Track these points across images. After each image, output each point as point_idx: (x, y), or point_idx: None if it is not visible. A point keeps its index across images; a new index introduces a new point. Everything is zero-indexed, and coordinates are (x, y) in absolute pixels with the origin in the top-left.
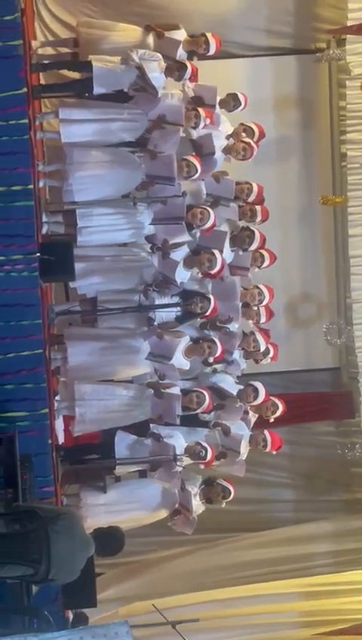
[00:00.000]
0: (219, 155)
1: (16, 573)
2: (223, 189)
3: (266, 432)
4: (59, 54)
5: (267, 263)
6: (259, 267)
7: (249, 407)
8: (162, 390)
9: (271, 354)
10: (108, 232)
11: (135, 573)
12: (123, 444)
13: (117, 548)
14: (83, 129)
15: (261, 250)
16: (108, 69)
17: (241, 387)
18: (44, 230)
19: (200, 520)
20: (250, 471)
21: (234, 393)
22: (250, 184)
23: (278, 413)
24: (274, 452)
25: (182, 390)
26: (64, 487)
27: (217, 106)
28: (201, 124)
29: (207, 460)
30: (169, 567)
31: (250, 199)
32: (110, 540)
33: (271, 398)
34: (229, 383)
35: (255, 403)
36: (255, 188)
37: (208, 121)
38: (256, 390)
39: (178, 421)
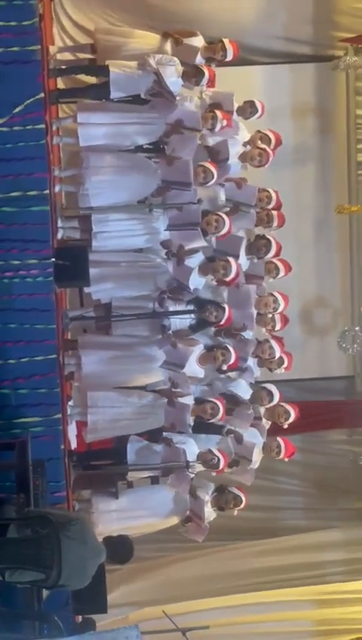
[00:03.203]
0: (234, 161)
1: (27, 578)
2: (245, 195)
3: (280, 439)
4: (77, 60)
5: (282, 273)
6: (273, 278)
7: (262, 414)
8: (174, 399)
9: (286, 364)
10: (123, 237)
11: (144, 576)
12: (135, 449)
13: (126, 556)
14: (100, 131)
15: (275, 261)
16: (126, 74)
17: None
18: (59, 235)
19: (211, 526)
20: (262, 478)
21: (248, 398)
22: (269, 192)
23: (291, 419)
24: (287, 459)
25: (196, 399)
26: (76, 492)
27: (235, 113)
28: (218, 126)
29: (219, 469)
30: (179, 571)
31: (270, 207)
32: (120, 547)
33: (283, 404)
34: (243, 388)
35: (270, 406)
36: (273, 195)
37: (225, 122)
38: (270, 394)
39: (190, 430)
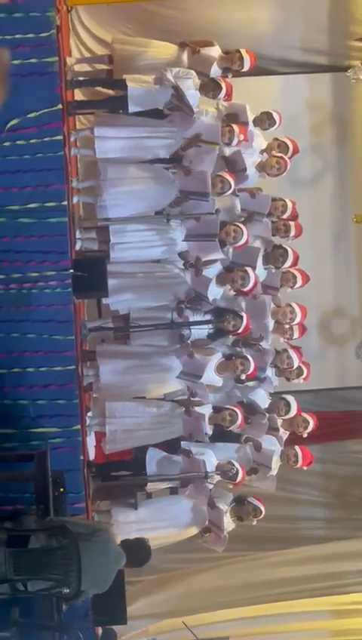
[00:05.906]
0: (252, 172)
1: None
2: (258, 204)
3: (297, 447)
4: (94, 71)
5: (299, 283)
6: (291, 288)
7: (280, 424)
8: (191, 408)
9: (304, 374)
10: (141, 248)
11: (164, 588)
12: (154, 461)
13: (143, 558)
14: (117, 144)
15: (293, 271)
16: (143, 89)
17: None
18: (77, 246)
19: (230, 536)
20: (281, 488)
21: (265, 407)
22: (284, 201)
23: (309, 428)
24: (305, 467)
25: (214, 407)
26: (95, 503)
27: (251, 124)
28: (235, 140)
29: (237, 481)
30: (198, 583)
31: (285, 216)
32: (137, 550)
33: (302, 413)
34: (262, 397)
35: (287, 417)
36: (289, 205)
37: (242, 136)
38: (288, 404)
39: (207, 440)
